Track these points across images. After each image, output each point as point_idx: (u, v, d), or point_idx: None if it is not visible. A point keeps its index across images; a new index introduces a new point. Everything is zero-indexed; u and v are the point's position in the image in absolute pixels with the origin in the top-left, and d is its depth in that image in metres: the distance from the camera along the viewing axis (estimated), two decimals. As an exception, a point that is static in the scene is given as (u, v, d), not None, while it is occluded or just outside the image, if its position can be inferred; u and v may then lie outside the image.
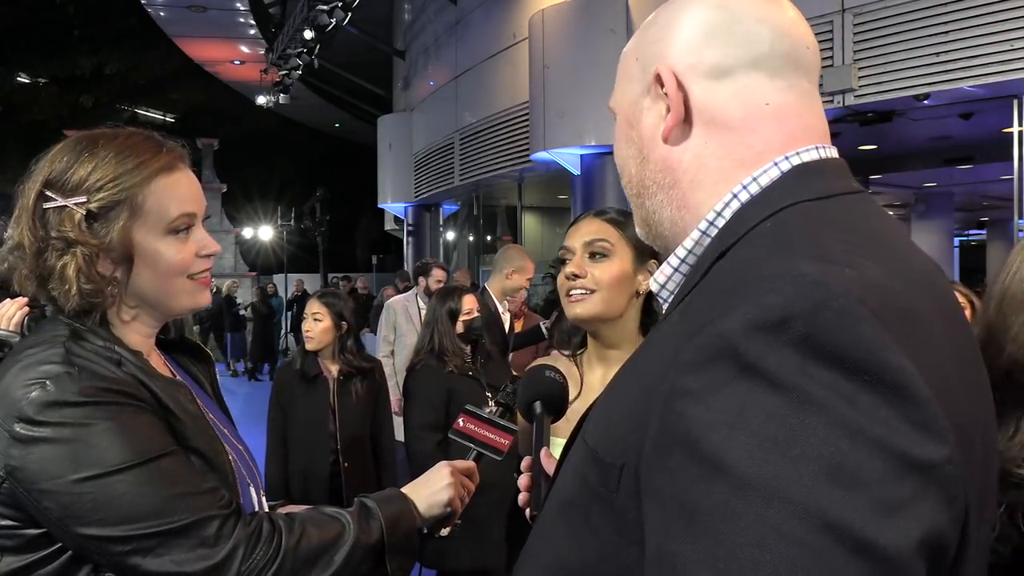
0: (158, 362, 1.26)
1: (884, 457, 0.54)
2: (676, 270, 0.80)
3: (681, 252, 0.79)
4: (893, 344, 0.57)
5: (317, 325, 3.39)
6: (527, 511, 1.20)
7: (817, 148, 0.76)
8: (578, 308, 1.60)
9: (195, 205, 1.22)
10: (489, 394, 3.24)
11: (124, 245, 1.15)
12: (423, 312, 5.42)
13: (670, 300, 0.81)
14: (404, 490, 1.33)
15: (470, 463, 1.41)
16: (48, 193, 1.15)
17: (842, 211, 0.72)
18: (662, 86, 0.78)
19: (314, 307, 3.44)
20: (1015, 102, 5.87)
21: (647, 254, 1.63)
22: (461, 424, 1.45)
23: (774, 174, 0.75)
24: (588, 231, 1.64)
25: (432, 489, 1.32)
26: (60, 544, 1.06)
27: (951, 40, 5.47)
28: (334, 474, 3.37)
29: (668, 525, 0.59)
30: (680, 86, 0.77)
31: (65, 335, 1.12)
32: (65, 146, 1.20)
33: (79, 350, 1.10)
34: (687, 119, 0.78)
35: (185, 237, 1.21)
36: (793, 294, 0.58)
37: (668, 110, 0.78)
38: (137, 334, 1.22)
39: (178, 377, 1.30)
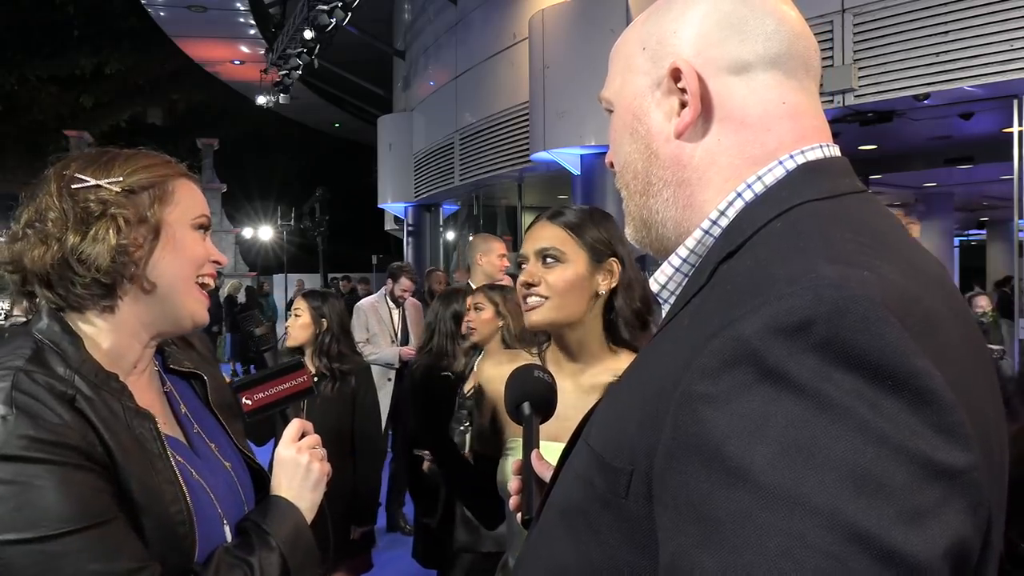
0: (143, 381, 1.21)
1: (909, 464, 0.53)
2: (677, 270, 0.78)
3: (683, 252, 0.77)
4: (917, 348, 0.56)
5: (296, 321, 3.38)
6: (518, 515, 1.18)
7: (822, 147, 0.75)
8: (533, 316, 1.59)
9: (209, 213, 1.28)
10: None
11: (156, 220, 1.17)
12: (393, 313, 5.49)
13: (671, 301, 0.79)
14: (281, 494, 1.26)
15: (298, 423, 1.30)
16: (78, 176, 1.14)
17: (850, 211, 0.70)
18: (677, 80, 0.76)
19: (296, 304, 3.45)
20: (1015, 102, 5.87)
21: (605, 254, 1.60)
22: (249, 404, 1.32)
23: (779, 173, 0.73)
24: (540, 237, 1.61)
25: (302, 480, 1.27)
26: None
27: (951, 40, 5.48)
28: None
29: (685, 534, 0.57)
30: (700, 81, 0.75)
31: (23, 358, 1.06)
32: (84, 152, 1.20)
33: (28, 384, 1.03)
34: (703, 115, 0.75)
35: (204, 236, 1.25)
36: (813, 297, 0.57)
37: (682, 105, 0.76)
38: (135, 340, 1.18)
39: (168, 386, 1.26)
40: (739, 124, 0.75)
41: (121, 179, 1.15)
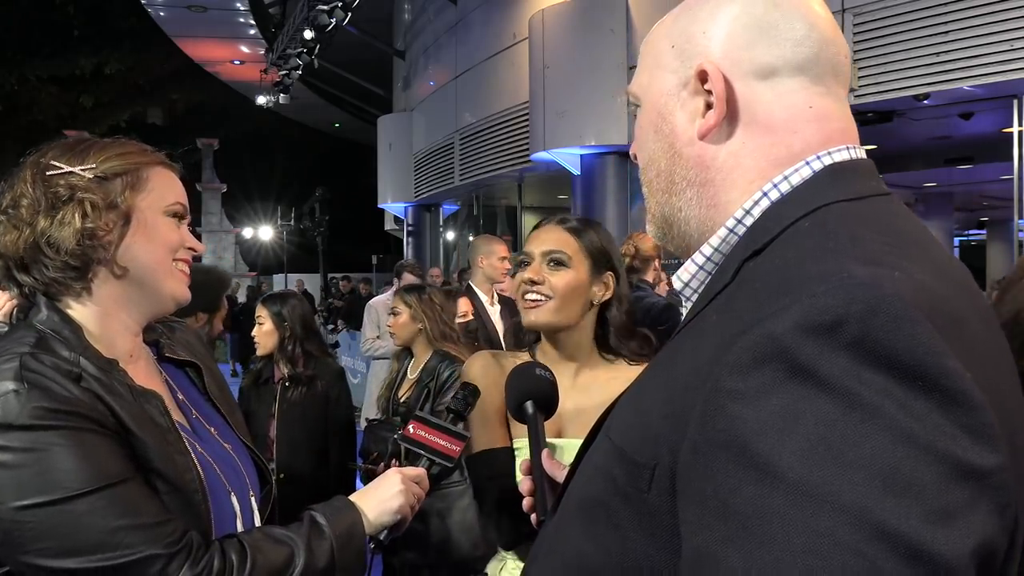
0: (140, 368, 1.23)
1: (938, 464, 0.53)
2: (701, 268, 0.78)
3: (707, 250, 0.77)
4: (947, 349, 0.56)
5: (260, 329, 3.32)
6: (532, 517, 1.17)
7: (848, 148, 0.75)
8: (532, 315, 1.62)
9: (185, 201, 1.27)
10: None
11: (127, 206, 1.17)
12: None
13: (693, 299, 0.79)
14: (353, 498, 1.30)
15: (420, 470, 1.37)
16: (54, 163, 1.16)
17: (876, 213, 0.71)
18: (704, 82, 0.76)
19: (258, 311, 3.37)
20: (1015, 102, 5.88)
21: (603, 266, 1.65)
22: (411, 431, 1.41)
23: (806, 173, 0.74)
24: (548, 240, 1.65)
25: (382, 497, 1.30)
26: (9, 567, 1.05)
27: (951, 40, 5.48)
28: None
29: (710, 528, 0.57)
30: (727, 84, 0.75)
31: (28, 345, 1.10)
32: (62, 142, 1.22)
33: (36, 364, 1.07)
34: (728, 117, 0.76)
35: (178, 224, 1.25)
36: (845, 297, 0.57)
37: (708, 107, 0.76)
38: (121, 326, 1.20)
39: (164, 375, 1.28)
40: (764, 128, 0.75)
41: (94, 166, 1.17)
